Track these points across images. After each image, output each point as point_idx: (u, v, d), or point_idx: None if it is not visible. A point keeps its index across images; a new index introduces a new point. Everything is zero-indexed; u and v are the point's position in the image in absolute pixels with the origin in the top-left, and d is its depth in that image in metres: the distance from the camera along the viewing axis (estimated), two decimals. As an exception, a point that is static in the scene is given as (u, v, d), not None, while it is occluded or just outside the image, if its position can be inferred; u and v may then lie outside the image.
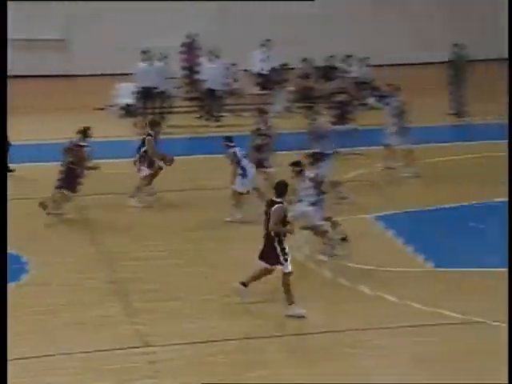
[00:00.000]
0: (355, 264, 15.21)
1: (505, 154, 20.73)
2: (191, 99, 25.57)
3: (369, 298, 13.98)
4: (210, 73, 24.29)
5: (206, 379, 11.64)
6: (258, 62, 25.58)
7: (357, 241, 16.30)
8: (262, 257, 13.42)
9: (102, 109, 24.78)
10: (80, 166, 17.46)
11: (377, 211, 17.46)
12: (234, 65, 24.89)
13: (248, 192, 17.40)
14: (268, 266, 13.37)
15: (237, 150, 17.47)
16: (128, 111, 24.59)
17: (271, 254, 13.31)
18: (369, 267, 15.09)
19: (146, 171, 18.03)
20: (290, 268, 13.28)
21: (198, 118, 24.47)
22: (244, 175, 17.42)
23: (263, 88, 25.41)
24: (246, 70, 25.80)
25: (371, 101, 21.65)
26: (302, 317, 13.16)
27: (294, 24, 28.44)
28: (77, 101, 25.47)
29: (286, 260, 13.30)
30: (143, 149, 18.00)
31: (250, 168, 17.46)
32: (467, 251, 15.59)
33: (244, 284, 13.57)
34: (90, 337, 12.75)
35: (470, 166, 19.46)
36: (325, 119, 18.88)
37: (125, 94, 24.95)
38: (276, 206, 13.23)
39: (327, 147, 17.90)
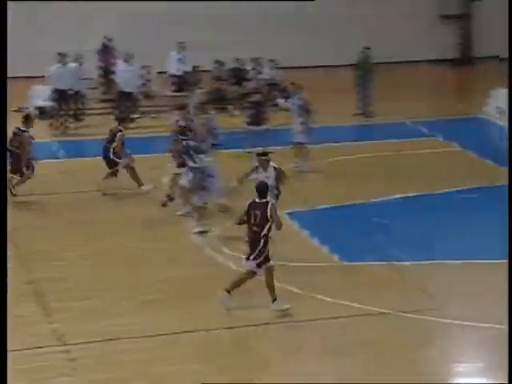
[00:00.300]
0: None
1: (410, 152, 21.18)
2: (107, 101, 25.41)
3: (279, 292, 14.13)
4: (125, 75, 24.19)
5: (120, 375, 11.68)
6: (174, 64, 25.55)
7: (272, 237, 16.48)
8: (250, 258, 13.33)
9: (19, 110, 24.49)
10: (23, 150, 18.22)
11: (287, 208, 17.61)
12: (148, 67, 24.82)
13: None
14: (257, 269, 13.29)
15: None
16: (43, 113, 24.35)
17: (261, 254, 13.23)
18: (278, 262, 15.22)
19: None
20: (271, 263, 13.30)
21: (114, 119, 24.34)
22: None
23: (178, 89, 25.38)
24: (161, 72, 25.73)
25: (281, 102, 21.81)
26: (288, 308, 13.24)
27: (207, 26, 28.46)
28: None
29: (269, 260, 13.34)
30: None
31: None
32: (372, 246, 15.85)
33: (228, 291, 13.43)
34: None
35: (376, 164, 19.74)
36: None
37: (40, 96, 24.72)
38: (272, 204, 13.27)
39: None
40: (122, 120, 19.13)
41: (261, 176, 15.33)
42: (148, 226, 17.10)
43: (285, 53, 26.40)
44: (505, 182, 19.33)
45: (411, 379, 11.75)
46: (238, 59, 25.48)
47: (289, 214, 17.41)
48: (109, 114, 24.35)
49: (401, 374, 11.90)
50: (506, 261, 15.15)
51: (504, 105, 23.90)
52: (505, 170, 19.96)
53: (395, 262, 15.20)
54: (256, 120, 21.44)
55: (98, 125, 23.48)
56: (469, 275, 14.89)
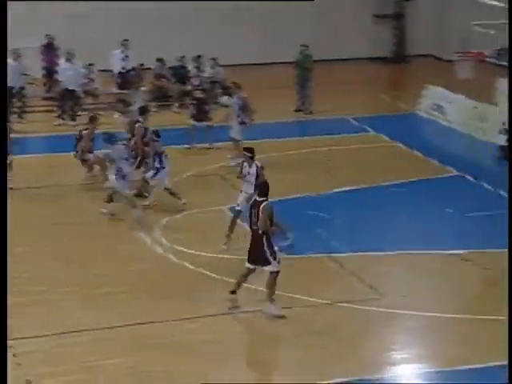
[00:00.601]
0: (211, 253, 15.28)
1: (348, 147, 21.27)
2: (50, 99, 25.08)
3: (222, 285, 14.08)
4: (68, 73, 23.93)
5: (64, 368, 11.57)
6: (118, 62, 25.30)
7: (211, 231, 16.40)
8: (251, 259, 13.08)
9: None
10: None
11: (230, 202, 17.55)
12: (91, 65, 24.55)
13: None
14: (256, 267, 13.04)
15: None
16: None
17: (260, 254, 13.00)
18: (224, 256, 15.17)
19: None
20: (277, 267, 12.96)
21: (57, 116, 24.04)
22: (159, 168, 17.41)
23: (122, 87, 25.15)
24: (104, 70, 25.44)
25: (223, 99, 21.73)
26: (281, 316, 12.96)
27: (151, 24, 28.25)
28: None
29: (275, 258, 13.01)
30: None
31: (167, 160, 17.53)
32: (312, 238, 15.85)
33: (233, 292, 13.24)
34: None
35: (315, 159, 19.78)
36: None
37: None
38: (264, 204, 12.96)
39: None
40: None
41: (245, 171, 15.29)
42: (93, 222, 16.94)
43: (226, 51, 26.30)
44: (438, 175, 19.65)
45: (353, 367, 11.80)
46: (180, 58, 25.34)
47: (230, 208, 17.36)
48: (51, 111, 24.08)
49: (343, 361, 11.97)
50: (440, 251, 15.40)
51: (439, 101, 24.17)
52: (437, 164, 20.22)
53: (334, 254, 15.25)
54: (198, 117, 21.36)
55: (41, 122, 23.21)
56: (405, 265, 15.00)
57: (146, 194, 17.49)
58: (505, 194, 18.08)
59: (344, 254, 15.24)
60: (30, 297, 13.64)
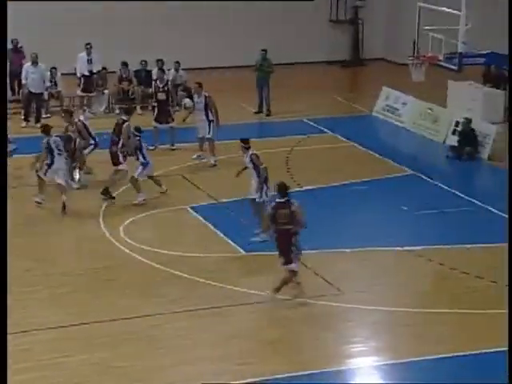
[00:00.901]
0: (174, 251, 15.20)
1: (307, 147, 21.27)
2: (16, 101, 24.81)
3: (185, 282, 14.01)
4: (32, 76, 23.70)
5: (25, 366, 11.49)
6: (82, 65, 25.08)
7: (176, 230, 16.32)
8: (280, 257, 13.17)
9: None
10: None
11: (192, 202, 17.50)
12: (55, 68, 24.30)
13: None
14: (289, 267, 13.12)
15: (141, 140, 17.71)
16: None
17: (288, 253, 13.08)
18: (187, 254, 15.11)
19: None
20: (297, 266, 13.16)
21: (23, 119, 23.78)
22: (145, 163, 17.46)
23: (86, 90, 24.93)
24: (68, 74, 25.20)
25: (186, 101, 21.62)
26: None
27: (114, 27, 28.07)
28: None
29: (299, 259, 13.22)
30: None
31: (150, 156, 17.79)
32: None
33: (277, 290, 13.21)
34: None
35: (275, 160, 19.67)
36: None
37: None
38: (296, 205, 13.10)
39: None
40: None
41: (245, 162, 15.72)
42: (57, 217, 16.78)
43: (187, 55, 26.17)
44: (393, 174, 19.71)
45: (312, 359, 11.79)
46: (143, 61, 25.19)
47: (193, 207, 17.30)
48: (17, 113, 23.80)
49: (301, 354, 11.95)
50: (395, 248, 15.44)
51: (393, 103, 24.25)
52: (392, 163, 20.28)
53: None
54: (162, 118, 21.24)
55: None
56: (362, 262, 15.02)
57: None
58: (457, 192, 18.23)
59: (305, 251, 15.20)
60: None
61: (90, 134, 18.93)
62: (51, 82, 24.11)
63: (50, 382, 11.14)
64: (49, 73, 24.13)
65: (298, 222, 13.17)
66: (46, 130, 17.56)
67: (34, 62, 23.72)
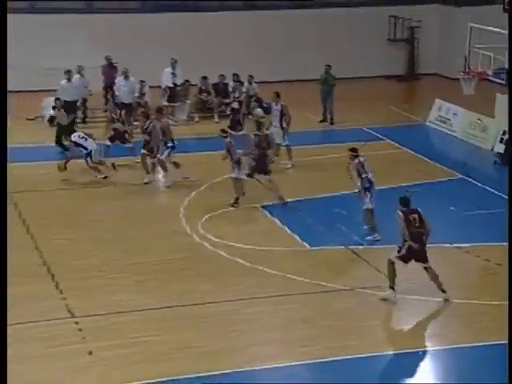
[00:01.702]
0: (246, 245, 15.28)
1: (365, 153, 21.13)
2: (105, 111, 25.18)
3: (256, 272, 14.07)
4: (123, 89, 24.05)
5: (119, 343, 11.64)
6: (167, 78, 25.37)
7: (248, 226, 16.41)
8: (418, 258, 13.06)
9: (33, 119, 24.20)
10: None
11: (264, 201, 17.55)
12: (143, 81, 24.61)
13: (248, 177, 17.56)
14: (426, 265, 13.08)
15: (231, 140, 17.74)
16: (53, 121, 24.09)
17: (424, 253, 13.06)
18: (258, 247, 15.19)
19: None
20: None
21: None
22: (239, 163, 17.44)
23: (170, 101, 25.22)
24: (156, 86, 25.53)
25: (257, 111, 21.71)
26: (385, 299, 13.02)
27: (195, 44, 28.42)
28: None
29: None
30: None
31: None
32: (334, 232, 15.78)
33: (393, 288, 13.14)
34: (24, 310, 12.49)
35: (337, 164, 19.67)
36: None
37: (50, 106, 24.40)
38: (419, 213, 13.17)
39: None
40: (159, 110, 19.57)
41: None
42: (143, 213, 16.99)
43: (259, 69, 26.32)
44: (444, 178, 19.52)
45: (363, 344, 11.74)
46: (221, 75, 25.39)
47: (264, 206, 17.36)
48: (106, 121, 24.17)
49: (356, 339, 11.94)
50: (447, 245, 15.28)
51: (445, 114, 24.00)
52: (443, 168, 20.08)
53: (354, 247, 15.19)
54: (235, 126, 21.33)
55: (101, 129, 23.30)
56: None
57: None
58: (503, 195, 17.95)
59: (361, 247, 15.20)
60: (91, 281, 13.73)
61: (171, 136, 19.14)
62: (139, 93, 24.45)
63: (138, 358, 11.30)
64: (138, 85, 24.47)
65: (426, 225, 13.13)
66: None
67: (125, 76, 24.10)
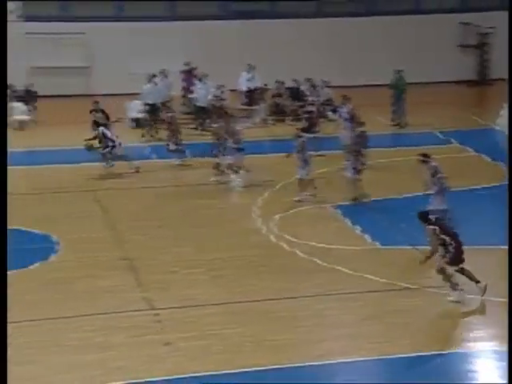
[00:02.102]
0: (318, 243, 15.23)
1: (435, 156, 20.82)
2: (188, 113, 25.47)
3: (328, 270, 14.01)
4: (201, 92, 24.27)
5: (195, 334, 11.72)
6: (244, 82, 25.51)
7: (320, 225, 16.34)
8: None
9: (117, 121, 24.61)
10: None
11: (336, 202, 17.46)
12: (222, 85, 24.77)
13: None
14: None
15: (304, 140, 17.86)
16: (137, 123, 24.50)
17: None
18: (329, 246, 15.12)
19: None
20: None
21: (193, 128, 24.39)
22: (307, 163, 17.57)
23: (247, 104, 25.34)
24: (234, 90, 25.70)
25: (330, 114, 21.68)
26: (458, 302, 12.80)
27: (271, 50, 28.54)
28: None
29: None
30: None
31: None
32: (406, 233, 15.60)
33: (478, 281, 13.01)
34: (105, 301, 12.71)
35: (407, 166, 19.44)
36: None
37: (135, 109, 24.80)
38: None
39: None
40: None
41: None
42: (217, 212, 17.08)
43: (332, 74, 26.25)
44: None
45: (428, 342, 11.58)
46: (294, 79, 25.40)
47: (336, 205, 17.27)
48: (188, 124, 24.41)
49: (423, 337, 11.78)
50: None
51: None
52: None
53: (423, 247, 14.95)
54: (309, 128, 21.28)
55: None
56: (482, 257, 14.57)
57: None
58: None
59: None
60: (169, 275, 13.87)
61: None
62: (217, 96, 24.61)
63: (213, 350, 11.36)
64: (215, 89, 24.62)
65: None
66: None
67: (203, 80, 24.30)
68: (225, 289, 13.35)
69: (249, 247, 15.20)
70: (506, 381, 9.80)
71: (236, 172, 18.91)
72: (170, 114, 20.94)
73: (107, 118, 21.13)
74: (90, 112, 21.22)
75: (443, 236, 12.77)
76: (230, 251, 15.00)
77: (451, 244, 12.74)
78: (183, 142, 20.48)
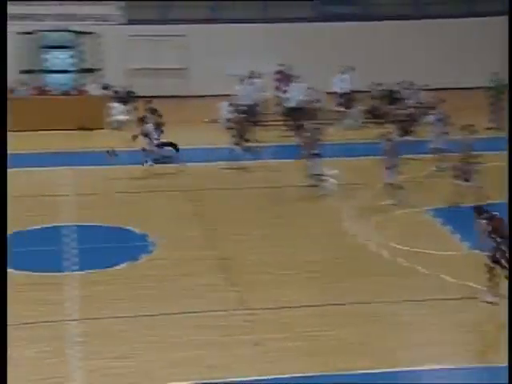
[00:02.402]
0: (413, 248, 15.05)
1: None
2: (281, 115, 25.56)
3: (420, 274, 13.82)
4: (293, 94, 24.30)
5: (285, 336, 11.75)
6: (339, 84, 25.41)
7: (413, 229, 16.13)
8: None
9: (211, 121, 24.89)
10: None
11: (428, 205, 17.22)
12: (312, 88, 24.71)
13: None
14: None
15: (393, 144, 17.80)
16: (231, 124, 24.69)
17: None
18: (422, 250, 14.92)
19: None
20: None
21: (286, 130, 24.44)
22: (395, 167, 17.50)
23: (343, 106, 25.23)
24: (331, 92, 25.66)
25: (425, 117, 21.39)
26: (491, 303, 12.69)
27: (365, 53, 28.42)
28: (191, 116, 25.88)
29: None
30: None
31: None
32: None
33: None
34: (201, 300, 12.90)
35: (503, 171, 18.95)
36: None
37: (228, 110, 25.01)
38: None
39: None
40: None
41: None
42: (309, 215, 17.11)
43: (427, 77, 25.91)
44: None
45: None
46: (393, 82, 25.17)
47: (429, 209, 17.02)
48: (280, 125, 24.48)
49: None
50: None
51: None
52: None
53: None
54: (403, 132, 21.06)
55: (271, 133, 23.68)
56: None
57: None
58: None
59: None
60: (262, 276, 13.96)
61: None
62: (309, 98, 24.52)
63: (304, 351, 11.38)
64: (308, 90, 24.56)
65: None
66: None
67: (296, 82, 24.34)
68: (319, 290, 13.34)
69: (343, 249, 15.16)
70: (506, 381, 9.50)
71: (324, 175, 18.86)
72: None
73: (159, 118, 21.15)
74: (144, 111, 21.31)
75: (494, 235, 12.45)
76: (324, 253, 14.99)
77: (503, 244, 12.39)
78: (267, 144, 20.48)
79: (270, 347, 11.43)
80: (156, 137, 20.08)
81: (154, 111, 21.09)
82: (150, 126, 20.03)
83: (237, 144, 20.71)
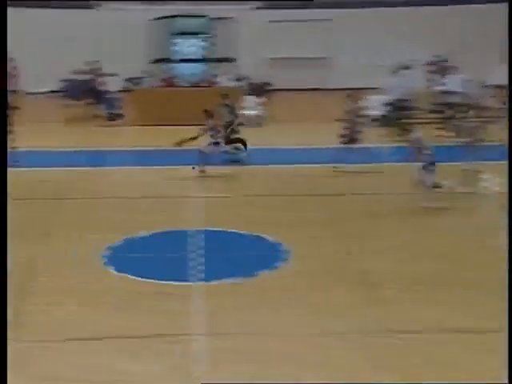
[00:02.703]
0: None
1: None
2: (434, 111, 24.98)
3: None
4: (450, 87, 23.70)
5: (435, 357, 11.03)
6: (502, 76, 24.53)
7: None
8: None
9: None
10: None
11: None
12: (470, 80, 24.02)
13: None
14: None
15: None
16: (375, 121, 24.34)
17: None
18: None
19: None
20: None
21: (439, 128, 23.86)
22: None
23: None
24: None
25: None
26: None
27: None
28: (327, 112, 25.61)
29: None
30: None
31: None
32: None
33: None
34: (337, 317, 12.55)
35: None
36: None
37: (375, 106, 24.64)
38: None
39: None
40: None
41: None
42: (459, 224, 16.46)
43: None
44: None
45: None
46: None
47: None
48: (433, 122, 23.91)
49: None
50: None
51: None
52: None
53: None
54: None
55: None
56: None
57: None
58: None
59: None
60: (403, 293, 13.38)
61: None
62: (475, 93, 23.70)
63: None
64: (467, 83, 23.78)
65: None
66: None
67: (453, 74, 23.70)
68: (470, 311, 12.61)
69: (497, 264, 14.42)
70: (506, 381, 8.72)
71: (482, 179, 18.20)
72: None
73: (234, 114, 20.97)
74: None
75: None
76: (477, 268, 14.35)
77: None
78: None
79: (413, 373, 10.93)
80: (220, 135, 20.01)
81: (228, 106, 21.14)
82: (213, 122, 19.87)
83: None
